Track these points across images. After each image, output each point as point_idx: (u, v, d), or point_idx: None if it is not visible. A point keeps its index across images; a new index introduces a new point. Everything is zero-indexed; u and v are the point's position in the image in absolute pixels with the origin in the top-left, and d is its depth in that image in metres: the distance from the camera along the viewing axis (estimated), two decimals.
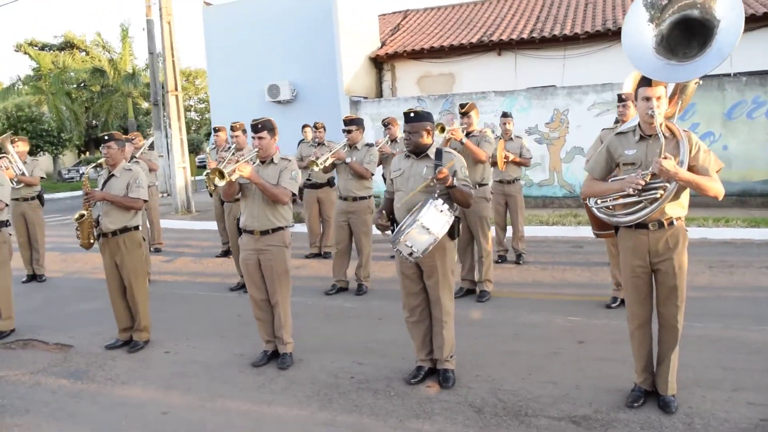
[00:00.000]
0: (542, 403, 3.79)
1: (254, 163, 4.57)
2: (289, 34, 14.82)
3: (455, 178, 3.94)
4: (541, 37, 13.42)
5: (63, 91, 24.13)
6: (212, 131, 8.50)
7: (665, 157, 3.23)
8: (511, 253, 7.71)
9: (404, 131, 4.09)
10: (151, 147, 10.24)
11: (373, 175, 6.44)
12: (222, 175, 4.13)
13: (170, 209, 14.21)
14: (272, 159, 4.56)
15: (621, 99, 5.27)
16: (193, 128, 37.60)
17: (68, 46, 32.15)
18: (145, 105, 29.66)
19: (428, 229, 3.69)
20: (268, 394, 4.21)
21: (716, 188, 3.32)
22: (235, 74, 15.72)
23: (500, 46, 13.87)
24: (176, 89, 13.41)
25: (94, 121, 28.74)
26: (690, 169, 3.37)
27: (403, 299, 4.26)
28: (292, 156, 4.70)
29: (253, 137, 4.51)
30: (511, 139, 7.50)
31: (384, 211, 4.26)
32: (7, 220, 5.68)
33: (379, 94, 15.62)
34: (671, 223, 3.44)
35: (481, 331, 5.19)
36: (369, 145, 6.49)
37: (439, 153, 4.06)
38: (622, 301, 5.49)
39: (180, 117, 13.56)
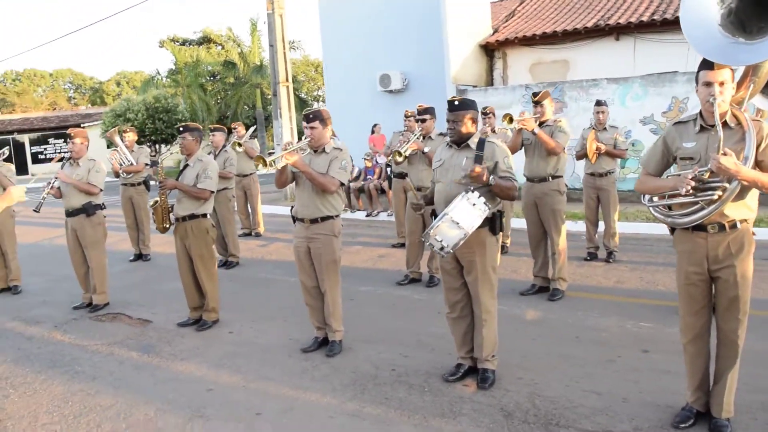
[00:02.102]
0: (578, 414, 3.51)
1: (306, 152, 4.61)
2: (401, 23, 14.87)
3: (495, 173, 3.73)
4: (663, 20, 12.36)
5: (197, 83, 26.00)
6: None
7: (724, 153, 2.82)
8: (603, 250, 7.21)
9: (447, 120, 3.93)
10: (254, 136, 10.71)
11: None
12: (264, 163, 4.21)
13: (280, 196, 14.81)
14: (324, 148, 4.58)
15: None
16: None
17: (206, 41, 34.55)
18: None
19: (458, 223, 3.53)
20: (308, 380, 4.27)
21: None
22: (348, 64, 16.05)
23: (618, 30, 12.97)
24: (287, 80, 13.92)
25: (227, 112, 30.57)
26: (758, 164, 2.94)
27: (444, 294, 4.12)
28: (344, 145, 4.69)
29: (305, 127, 4.55)
30: (605, 129, 7.00)
31: (423, 199, 4.14)
32: (103, 203, 6.18)
33: (490, 83, 15.22)
34: (734, 226, 3.02)
35: (539, 332, 4.91)
36: (442, 135, 6.34)
37: (481, 143, 3.86)
38: None
39: (290, 107, 14.06)
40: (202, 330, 5.42)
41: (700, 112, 3.06)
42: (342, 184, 4.52)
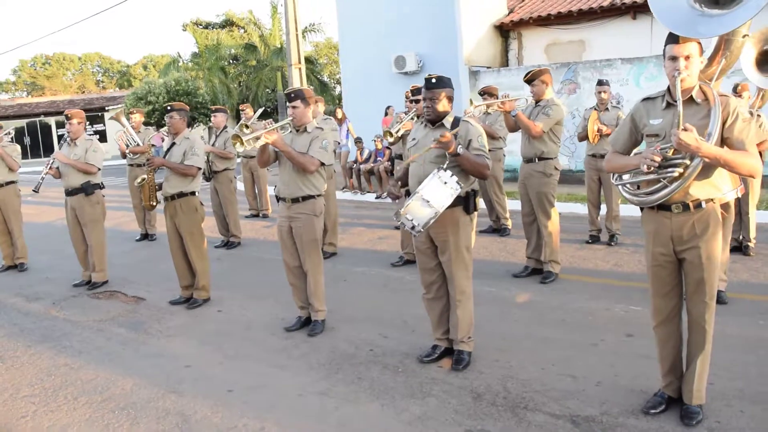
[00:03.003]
0: (548, 398, 3.46)
1: (289, 131, 4.59)
2: (416, 4, 14.71)
3: (468, 147, 3.67)
4: None
5: (217, 66, 26.10)
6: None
7: (684, 129, 2.73)
8: (605, 233, 7.08)
9: (423, 98, 3.86)
10: (263, 117, 10.72)
11: None
12: (241, 142, 4.20)
13: None
14: (306, 128, 4.55)
15: None
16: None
17: (228, 24, 34.56)
18: None
19: (428, 201, 3.48)
20: (285, 358, 4.29)
21: (750, 165, 2.76)
22: (364, 46, 15.96)
23: (635, 9, 12.60)
24: (299, 62, 13.87)
25: (248, 95, 30.65)
26: (724, 141, 2.83)
27: (419, 275, 4.08)
28: (327, 126, 4.66)
29: (287, 106, 4.53)
30: (607, 109, 6.84)
31: (399, 182, 4.08)
32: (101, 183, 6.25)
33: (505, 64, 14.98)
34: (699, 206, 2.92)
35: (524, 315, 4.85)
36: None
37: (456, 122, 3.79)
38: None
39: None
40: (192, 308, 5.47)
41: (668, 88, 2.95)
42: (322, 164, 4.50)
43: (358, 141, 12.93)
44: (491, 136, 7.17)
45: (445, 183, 3.49)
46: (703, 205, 2.92)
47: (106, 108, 29.98)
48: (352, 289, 5.85)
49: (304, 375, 3.99)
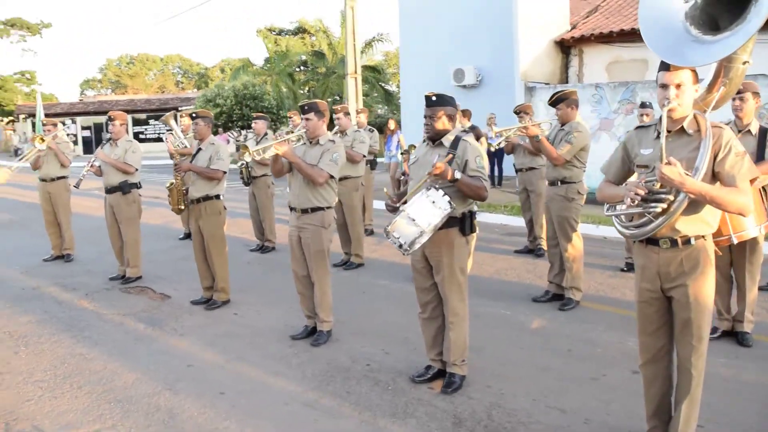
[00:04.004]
0: (531, 430, 3.37)
1: (301, 142, 4.68)
2: (477, 18, 14.69)
3: (465, 172, 3.63)
4: None
5: (285, 72, 26.78)
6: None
7: (668, 163, 2.61)
8: None
9: (424, 115, 3.85)
10: None
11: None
12: (249, 152, 4.31)
13: None
14: (319, 140, 4.62)
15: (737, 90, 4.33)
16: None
17: (301, 31, 35.43)
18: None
19: (414, 220, 3.46)
20: (283, 366, 4.35)
21: (739, 203, 2.61)
22: (424, 58, 16.04)
23: None
24: (355, 72, 14.07)
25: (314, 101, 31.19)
26: (715, 175, 2.69)
27: (416, 294, 4.06)
28: (339, 139, 4.72)
29: (301, 118, 4.62)
30: None
31: (399, 198, 4.07)
32: (139, 182, 6.54)
33: (565, 81, 14.69)
34: (687, 242, 2.78)
35: (532, 341, 4.72)
36: (464, 130, 6.20)
37: (456, 141, 3.76)
38: (724, 333, 4.59)
39: (358, 98, 14.22)
40: (210, 309, 5.63)
41: (660, 118, 2.83)
42: (332, 177, 4.55)
43: (404, 152, 12.94)
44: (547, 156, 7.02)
45: (434, 202, 3.46)
46: (692, 241, 2.78)
47: (179, 108, 31.25)
48: (368, 302, 5.87)
49: (297, 384, 4.04)
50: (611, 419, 3.47)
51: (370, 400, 3.78)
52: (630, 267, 6.78)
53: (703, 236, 2.79)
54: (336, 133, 7.18)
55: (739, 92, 4.36)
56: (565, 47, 14.44)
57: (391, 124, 13.52)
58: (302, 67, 31.93)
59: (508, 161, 12.04)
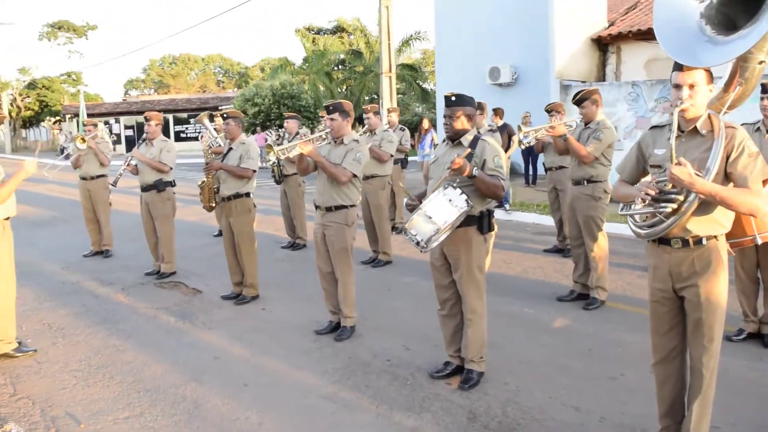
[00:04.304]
0: (544, 427, 3.40)
1: (326, 141, 4.79)
2: (513, 15, 14.59)
3: (482, 169, 3.67)
4: None
5: (323, 71, 27.05)
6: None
7: (678, 163, 2.61)
8: None
9: (443, 115, 3.91)
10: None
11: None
12: (274, 151, 4.43)
13: None
14: (343, 140, 4.72)
15: (765, 89, 4.27)
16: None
17: (339, 30, 35.74)
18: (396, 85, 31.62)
19: (431, 217, 3.52)
20: (306, 360, 4.46)
21: (749, 204, 2.59)
22: (460, 56, 16.01)
23: None
24: (390, 71, 14.15)
25: (352, 100, 31.43)
26: (728, 176, 2.68)
27: (435, 291, 4.12)
28: (363, 138, 4.80)
29: (325, 118, 4.72)
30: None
31: (416, 199, 4.13)
32: (173, 180, 6.76)
33: (602, 78, 14.49)
34: (699, 242, 2.78)
35: (553, 340, 4.73)
36: (491, 130, 6.25)
37: (475, 141, 3.81)
38: (750, 335, 4.52)
39: (392, 97, 14.30)
40: (239, 304, 5.80)
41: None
42: (355, 176, 4.64)
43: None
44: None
45: (450, 200, 3.52)
46: (704, 241, 2.77)
47: (219, 107, 31.86)
48: (392, 299, 5.95)
49: (318, 377, 4.15)
50: (626, 418, 3.47)
51: (387, 394, 3.86)
52: None
53: (715, 236, 2.78)
54: (365, 132, 7.28)
55: (765, 91, 4.29)
56: (603, 45, 14.24)
57: (425, 123, 13.55)
58: (340, 66, 32.17)
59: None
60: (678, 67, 2.74)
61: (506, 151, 10.59)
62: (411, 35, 28.40)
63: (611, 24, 14.38)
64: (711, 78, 2.76)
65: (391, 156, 7.23)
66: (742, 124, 4.52)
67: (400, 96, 29.54)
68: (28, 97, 44.49)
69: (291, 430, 3.47)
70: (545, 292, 5.98)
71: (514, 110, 12.25)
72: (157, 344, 4.86)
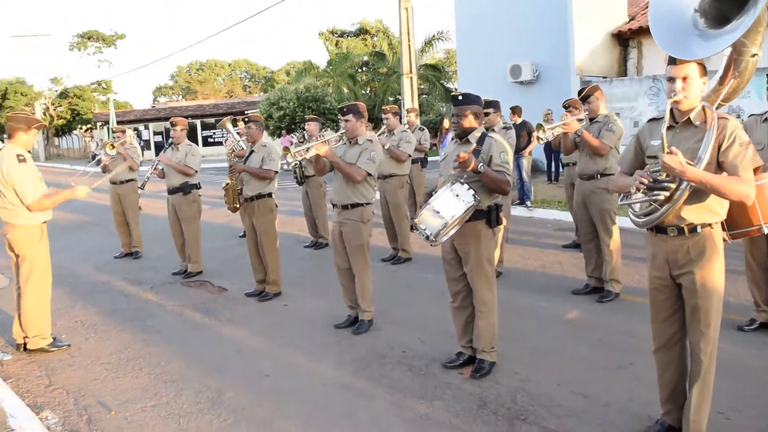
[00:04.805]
0: (551, 413, 3.51)
1: (342, 142, 4.96)
2: (534, 12, 14.61)
3: (489, 165, 3.80)
4: None
5: (346, 74, 27.28)
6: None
7: (670, 152, 2.72)
8: None
9: (452, 114, 4.05)
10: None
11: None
12: (291, 153, 4.62)
13: None
14: (357, 140, 4.88)
15: None
16: None
17: (362, 32, 35.99)
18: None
19: (438, 212, 3.66)
20: (325, 352, 4.64)
21: (739, 191, 2.68)
22: (481, 55, 16.09)
23: None
24: (410, 72, 14.28)
25: (375, 101, 31.62)
26: (719, 165, 2.78)
27: (446, 284, 4.26)
28: (377, 138, 4.96)
29: (340, 119, 4.89)
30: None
31: (427, 195, 4.27)
32: (198, 183, 7.01)
33: (623, 73, 14.41)
34: (694, 230, 2.87)
35: (565, 331, 4.83)
36: (506, 128, 6.35)
37: (482, 138, 3.94)
38: (762, 325, 4.55)
39: (413, 98, 14.43)
40: (262, 301, 6.00)
41: (671, 110, 2.93)
42: (369, 174, 4.80)
43: None
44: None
45: (458, 195, 3.65)
46: (699, 229, 2.86)
47: (246, 111, 32.36)
48: (410, 295, 6.10)
49: (335, 368, 4.31)
50: (633, 405, 3.56)
51: (402, 383, 4.01)
52: None
53: (709, 225, 2.87)
54: (383, 132, 7.44)
55: None
56: (623, 39, 14.15)
57: (446, 123, 13.67)
58: (363, 68, 32.39)
59: None
60: (672, 61, 2.85)
61: (525, 148, 10.67)
62: (434, 35, 28.44)
63: (632, 18, 14.29)
64: (704, 71, 2.86)
65: (409, 156, 7.37)
66: (750, 116, 4.60)
67: (424, 96, 29.65)
68: (61, 106, 45.69)
69: (308, 416, 3.64)
70: (561, 286, 6.06)
71: (536, 108, 12.28)
72: (184, 339, 5.08)
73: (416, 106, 14.76)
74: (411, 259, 7.46)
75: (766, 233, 3.90)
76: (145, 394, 4.04)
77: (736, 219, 3.51)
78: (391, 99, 29.10)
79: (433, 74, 29.00)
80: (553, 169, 13.85)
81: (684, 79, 2.81)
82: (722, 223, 3.07)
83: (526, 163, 10.91)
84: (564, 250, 7.65)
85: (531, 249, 7.74)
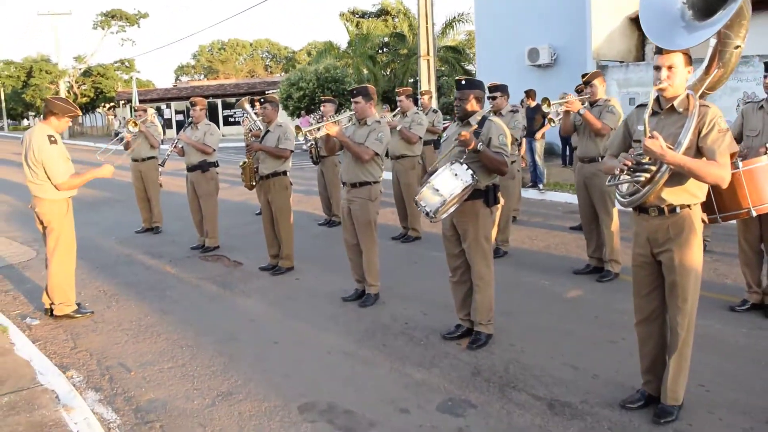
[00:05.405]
0: (540, 382, 3.73)
1: (351, 123, 5.17)
2: None
3: (488, 145, 3.99)
4: None
5: (366, 55, 27.34)
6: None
7: (651, 136, 2.89)
8: None
9: (455, 98, 4.23)
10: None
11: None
12: (302, 132, 4.84)
13: None
14: (366, 121, 5.09)
15: None
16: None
17: (383, 13, 35.92)
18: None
19: (438, 190, 3.86)
20: (332, 323, 4.89)
21: (715, 175, 2.85)
22: (499, 38, 16.12)
23: None
24: (428, 54, 14.37)
25: (395, 82, 31.61)
26: (699, 149, 2.95)
27: (446, 259, 4.47)
28: (384, 120, 5.16)
29: (351, 101, 5.10)
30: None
31: (429, 174, 4.47)
32: (216, 161, 7.27)
33: (641, 58, 14.37)
34: (673, 210, 3.05)
35: (562, 308, 5.02)
36: (513, 111, 6.50)
37: (483, 120, 4.12)
38: (753, 306, 4.70)
39: (430, 80, 14.53)
40: (276, 274, 6.27)
41: (657, 97, 3.09)
42: (377, 154, 5.00)
43: None
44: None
45: (456, 175, 3.85)
46: (678, 210, 3.04)
47: (266, 91, 32.62)
48: (417, 271, 6.32)
49: (341, 338, 4.57)
50: (619, 377, 3.76)
51: (402, 351, 4.25)
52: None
53: (688, 206, 3.04)
54: (396, 114, 7.62)
55: None
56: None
57: None
58: (384, 49, 32.38)
59: None
60: (658, 51, 3.00)
61: (539, 130, 10.77)
62: (454, 17, 28.33)
63: None
64: (689, 61, 3.02)
65: (420, 138, 7.54)
66: (747, 102, 4.72)
67: (444, 78, 29.62)
68: (84, 84, 46.32)
69: (313, 381, 3.89)
70: (564, 265, 6.24)
71: (553, 92, 12.20)
72: (200, 308, 5.37)
73: (433, 88, 14.85)
74: (420, 238, 7.67)
75: (754, 216, 4.08)
76: (162, 357, 4.33)
77: (727, 202, 3.70)
78: (411, 81, 29.09)
79: (454, 56, 28.91)
80: (567, 152, 13.90)
81: (669, 68, 2.97)
82: (705, 205, 3.25)
83: (539, 146, 11.01)
84: (570, 231, 7.81)
85: (539, 230, 7.91)
